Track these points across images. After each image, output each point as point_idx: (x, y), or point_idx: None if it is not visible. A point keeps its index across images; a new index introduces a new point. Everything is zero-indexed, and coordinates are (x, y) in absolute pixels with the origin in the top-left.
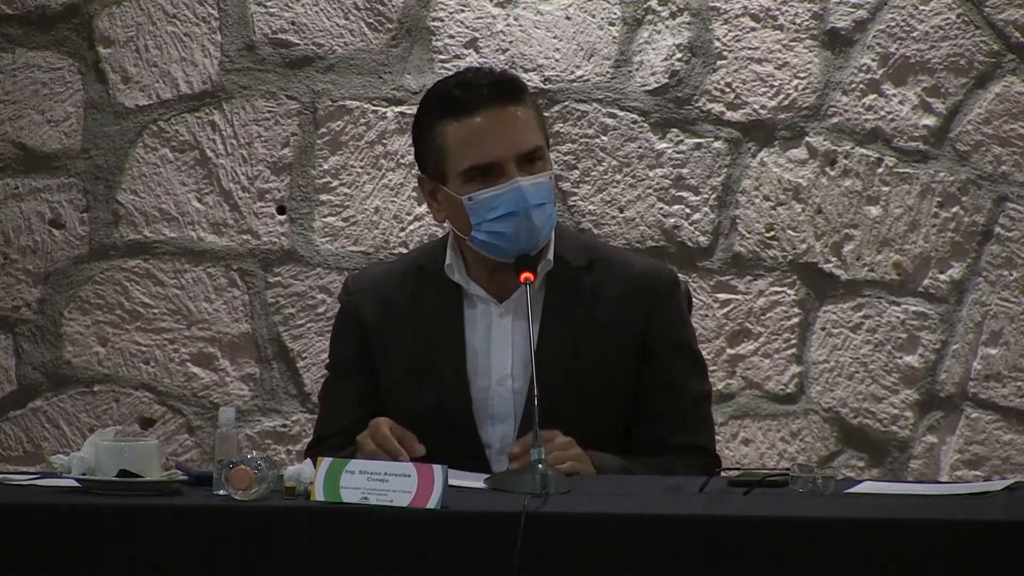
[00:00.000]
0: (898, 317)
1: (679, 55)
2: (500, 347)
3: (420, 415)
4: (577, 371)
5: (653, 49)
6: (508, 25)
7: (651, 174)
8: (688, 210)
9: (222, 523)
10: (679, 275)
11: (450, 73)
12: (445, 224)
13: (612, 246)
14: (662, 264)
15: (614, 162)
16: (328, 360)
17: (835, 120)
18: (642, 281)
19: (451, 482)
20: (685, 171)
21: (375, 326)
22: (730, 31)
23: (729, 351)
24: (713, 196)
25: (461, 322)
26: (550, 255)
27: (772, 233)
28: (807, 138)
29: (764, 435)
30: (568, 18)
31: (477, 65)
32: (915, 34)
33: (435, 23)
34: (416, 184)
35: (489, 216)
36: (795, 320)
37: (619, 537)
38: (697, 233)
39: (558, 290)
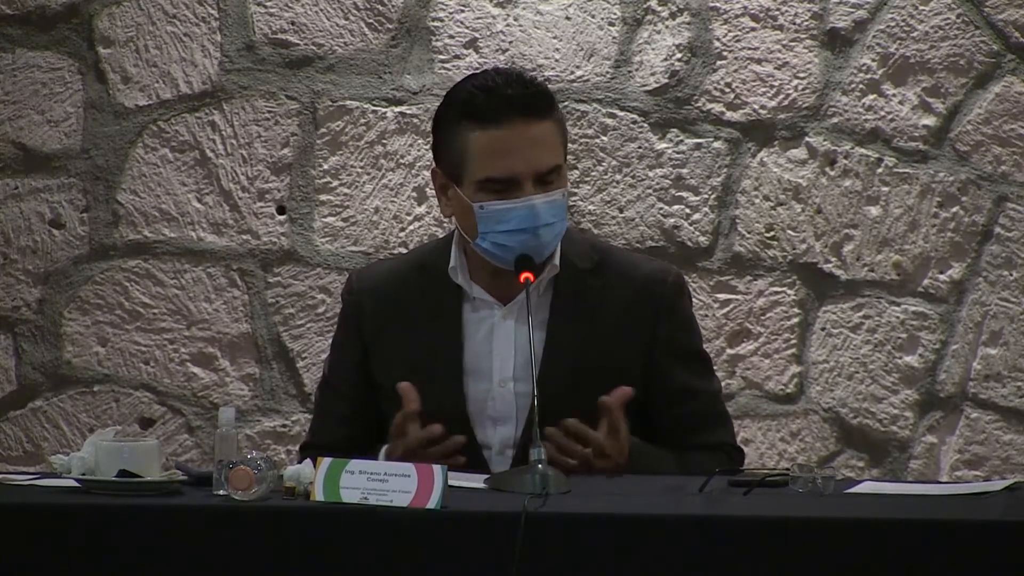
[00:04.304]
0: (898, 317)
1: (679, 55)
2: (503, 349)
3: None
4: (583, 374)
5: (653, 49)
6: (508, 25)
7: (651, 174)
8: (688, 210)
9: (222, 523)
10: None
11: (451, 72)
12: (449, 220)
13: (618, 247)
14: (668, 266)
15: (614, 162)
16: (329, 355)
17: (835, 120)
18: (648, 285)
19: (451, 482)
20: (685, 171)
21: (376, 325)
22: (730, 31)
23: (729, 351)
24: (713, 196)
25: (460, 324)
26: (556, 260)
27: (772, 233)
28: (807, 138)
29: (764, 435)
30: (568, 18)
31: (506, 68)
32: (915, 34)
33: (435, 23)
34: (416, 185)
35: (498, 228)
36: (795, 320)
37: (619, 537)
38: (697, 233)
39: (565, 293)
